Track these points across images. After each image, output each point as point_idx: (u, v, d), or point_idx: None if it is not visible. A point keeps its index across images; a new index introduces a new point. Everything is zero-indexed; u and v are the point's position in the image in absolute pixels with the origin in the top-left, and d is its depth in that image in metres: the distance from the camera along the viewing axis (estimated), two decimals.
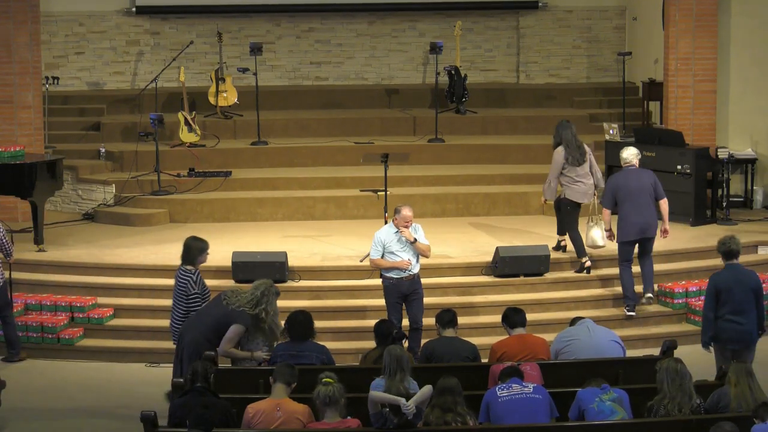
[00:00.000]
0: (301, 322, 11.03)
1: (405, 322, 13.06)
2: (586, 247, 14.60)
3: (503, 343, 11.02)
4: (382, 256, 12.90)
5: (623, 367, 10.69)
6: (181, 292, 11.82)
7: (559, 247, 14.95)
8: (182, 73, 18.78)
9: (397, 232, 12.87)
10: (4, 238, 13.53)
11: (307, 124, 19.18)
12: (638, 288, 14.16)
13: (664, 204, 13.96)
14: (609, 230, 14.22)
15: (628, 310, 14.08)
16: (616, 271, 14.42)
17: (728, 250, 11.40)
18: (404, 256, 12.85)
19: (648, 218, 13.82)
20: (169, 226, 16.61)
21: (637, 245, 14.01)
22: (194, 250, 11.99)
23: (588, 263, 14.57)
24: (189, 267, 11.94)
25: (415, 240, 12.84)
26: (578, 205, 14.63)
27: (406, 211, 12.83)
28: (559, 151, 14.55)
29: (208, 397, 9.48)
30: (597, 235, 14.62)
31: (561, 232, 15.02)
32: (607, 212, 14.07)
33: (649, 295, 14.09)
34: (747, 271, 11.54)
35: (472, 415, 9.46)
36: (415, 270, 12.95)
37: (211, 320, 11.19)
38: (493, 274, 14.54)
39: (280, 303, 13.67)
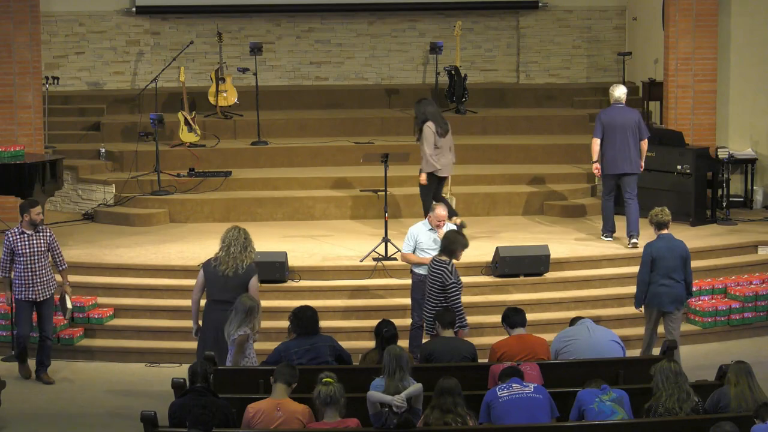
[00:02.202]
0: (310, 317, 10.93)
1: None
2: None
3: (503, 343, 11.03)
4: (414, 252, 12.87)
5: (623, 367, 10.70)
6: (436, 282, 12.03)
7: None
8: (182, 73, 18.76)
9: (431, 230, 12.80)
10: (55, 242, 13.15)
11: (307, 124, 19.16)
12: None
13: (644, 144, 14.98)
14: (597, 161, 15.02)
15: (605, 237, 15.12)
16: (616, 271, 14.56)
17: (659, 221, 12.61)
18: (434, 254, 12.78)
19: (626, 153, 14.87)
20: (169, 226, 16.60)
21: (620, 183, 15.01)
22: (456, 243, 12.20)
23: (460, 221, 14.96)
24: (443, 258, 12.11)
25: None
26: (444, 177, 15.24)
27: (440, 210, 12.76)
28: (430, 126, 15.03)
29: (208, 397, 9.48)
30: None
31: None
32: (596, 141, 14.94)
33: (635, 240, 14.87)
34: (677, 240, 12.69)
35: (472, 415, 9.46)
36: None
37: (234, 295, 11.13)
38: (493, 274, 14.53)
39: (280, 304, 13.74)
